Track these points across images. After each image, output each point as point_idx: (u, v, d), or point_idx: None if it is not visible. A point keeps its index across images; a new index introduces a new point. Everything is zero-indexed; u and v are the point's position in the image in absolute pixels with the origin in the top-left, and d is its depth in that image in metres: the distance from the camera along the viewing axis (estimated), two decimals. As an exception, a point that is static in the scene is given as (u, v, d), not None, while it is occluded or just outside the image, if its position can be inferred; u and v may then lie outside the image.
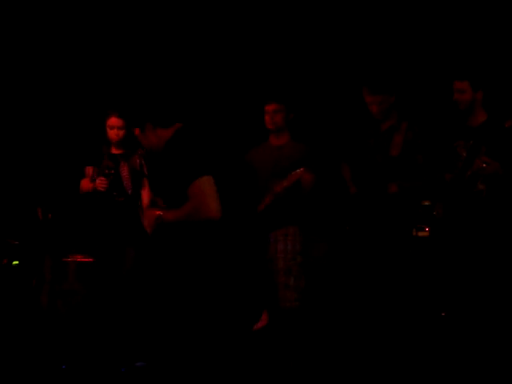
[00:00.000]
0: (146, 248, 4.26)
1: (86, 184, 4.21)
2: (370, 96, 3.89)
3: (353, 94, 4.21)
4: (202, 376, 3.25)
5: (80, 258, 4.79)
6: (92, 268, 4.31)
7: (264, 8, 5.27)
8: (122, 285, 4.13)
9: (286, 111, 4.03)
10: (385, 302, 3.82)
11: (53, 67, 5.44)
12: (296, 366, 3.74)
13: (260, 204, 4.03)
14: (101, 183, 4.13)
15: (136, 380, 3.62)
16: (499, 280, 3.66)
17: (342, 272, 4.12)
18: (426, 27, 5.09)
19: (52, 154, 5.24)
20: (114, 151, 4.29)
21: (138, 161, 4.28)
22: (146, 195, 4.32)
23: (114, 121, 4.20)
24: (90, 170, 4.25)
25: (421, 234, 4.75)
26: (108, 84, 5.36)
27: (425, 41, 5.10)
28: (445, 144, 3.88)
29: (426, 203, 4.73)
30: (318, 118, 5.29)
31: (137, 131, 2.97)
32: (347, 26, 5.24)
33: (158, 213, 2.92)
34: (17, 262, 4.92)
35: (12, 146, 5.36)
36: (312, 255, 4.44)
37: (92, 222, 4.21)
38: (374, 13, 5.15)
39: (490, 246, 3.68)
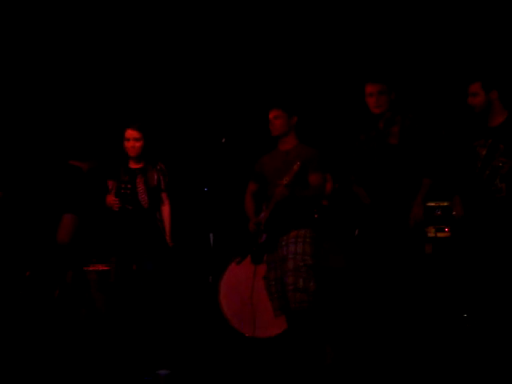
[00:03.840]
0: (164, 259, 4.33)
1: (109, 199, 4.27)
2: (370, 85, 3.88)
3: (354, 95, 4.20)
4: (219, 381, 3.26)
5: (101, 267, 4.84)
6: (110, 278, 4.36)
7: (262, 12, 5.29)
8: (141, 294, 4.17)
9: (288, 116, 4.03)
10: (400, 303, 3.80)
11: (73, 83, 5.51)
12: (305, 368, 3.74)
13: (267, 209, 4.04)
14: (114, 203, 4.18)
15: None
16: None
17: (357, 276, 4.10)
18: (433, 28, 5.07)
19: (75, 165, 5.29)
20: (132, 165, 4.32)
21: (155, 176, 4.31)
22: (166, 210, 4.39)
23: (130, 133, 4.24)
24: (110, 183, 4.30)
25: (441, 234, 4.73)
26: (126, 98, 5.42)
27: (433, 40, 5.09)
28: (465, 144, 3.86)
29: (445, 204, 4.71)
30: (324, 120, 5.29)
31: None
32: (350, 26, 5.24)
33: None
34: (37, 274, 4.97)
35: (37, 156, 5.43)
36: (328, 266, 4.45)
37: (112, 234, 4.26)
38: (381, 13, 5.14)
39: (508, 245, 3.64)
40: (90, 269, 4.84)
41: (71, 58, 5.45)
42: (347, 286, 4.54)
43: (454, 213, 4.02)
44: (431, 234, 4.72)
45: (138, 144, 4.24)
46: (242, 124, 5.46)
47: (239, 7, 5.30)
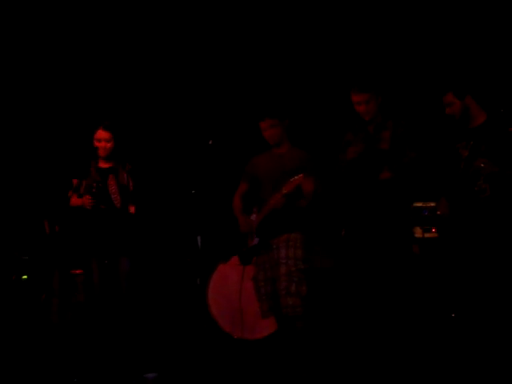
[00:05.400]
0: (140, 257, 4.32)
1: (74, 199, 4.22)
2: (356, 95, 3.90)
3: (342, 98, 4.22)
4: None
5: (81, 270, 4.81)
6: (84, 280, 4.34)
7: (249, 16, 5.31)
8: (120, 295, 4.16)
9: (281, 123, 4.06)
10: (389, 305, 3.81)
11: (45, 81, 5.49)
12: (299, 372, 3.74)
13: (260, 212, 4.05)
14: (87, 202, 4.15)
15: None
16: (505, 279, 3.64)
17: (346, 277, 4.11)
18: (410, 37, 5.13)
19: (53, 168, 5.28)
20: (102, 165, 4.31)
21: (125, 176, 4.31)
22: (132, 209, 4.38)
23: (101, 133, 4.23)
24: (75, 181, 4.24)
25: (428, 235, 4.75)
26: (97, 97, 5.41)
27: (415, 44, 5.15)
28: (447, 146, 3.90)
29: (432, 205, 4.73)
30: (314, 123, 5.32)
31: None
32: (336, 30, 5.28)
33: None
34: (26, 277, 4.94)
35: (14, 160, 5.42)
36: (317, 266, 4.45)
37: (84, 235, 4.22)
38: (368, 18, 5.18)
39: (495, 244, 3.67)
40: (77, 272, 4.81)
41: (45, 57, 5.45)
42: (335, 286, 4.55)
43: (438, 212, 4.04)
44: (418, 235, 4.74)
45: (108, 145, 4.24)
46: (228, 126, 5.46)
47: (226, 10, 5.31)
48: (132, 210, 4.31)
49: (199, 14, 5.35)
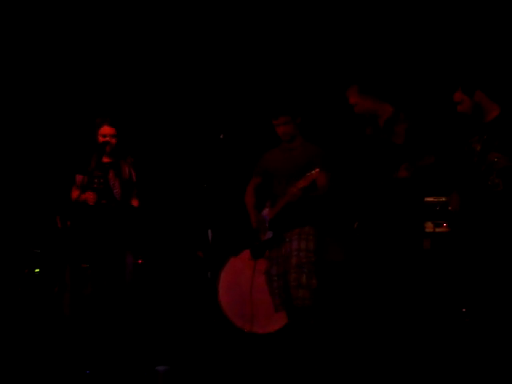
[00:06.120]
0: (149, 251, 4.34)
1: (76, 194, 4.24)
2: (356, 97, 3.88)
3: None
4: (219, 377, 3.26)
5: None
6: (90, 274, 4.36)
7: (261, 13, 5.31)
8: (126, 289, 4.18)
9: (294, 119, 4.06)
10: (398, 298, 3.81)
11: (47, 76, 5.52)
12: (308, 365, 3.75)
13: (275, 206, 4.06)
14: (89, 197, 4.16)
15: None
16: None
17: (357, 271, 4.11)
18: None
19: (64, 164, 5.31)
20: (104, 160, 4.32)
21: (127, 169, 4.32)
22: (135, 202, 4.40)
23: (106, 129, 4.24)
24: (80, 178, 4.27)
25: (439, 229, 4.73)
26: (100, 93, 5.43)
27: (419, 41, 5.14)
28: (460, 140, 3.87)
29: (444, 199, 4.71)
30: (325, 118, 5.31)
31: None
32: (344, 27, 5.28)
33: None
34: (38, 270, 4.98)
35: (26, 157, 5.45)
36: (327, 259, 4.46)
37: (87, 230, 4.23)
38: (379, 15, 5.19)
39: (507, 239, 3.65)
40: (87, 266, 4.83)
41: (49, 53, 5.48)
42: (346, 279, 4.55)
43: (449, 207, 4.03)
44: (429, 229, 4.72)
45: (113, 140, 4.26)
46: (240, 120, 5.47)
47: (243, 5, 5.32)
48: (135, 203, 4.33)
49: (212, 8, 5.35)
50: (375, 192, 3.90)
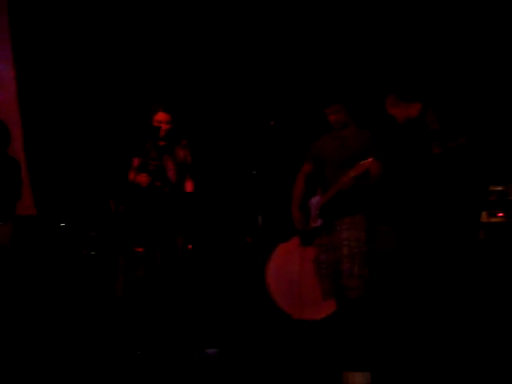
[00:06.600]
0: (199, 236, 4.37)
1: (132, 176, 4.32)
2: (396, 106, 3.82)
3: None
4: (269, 362, 3.28)
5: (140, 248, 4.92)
6: (143, 258, 4.44)
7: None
8: (176, 272, 4.24)
9: (345, 107, 4.04)
10: (450, 289, 3.74)
11: (106, 65, 5.65)
12: (356, 354, 3.73)
13: (326, 194, 4.04)
14: (142, 179, 4.22)
15: (208, 367, 3.70)
16: None
17: (408, 260, 4.06)
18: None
19: (118, 149, 5.43)
20: (160, 143, 4.37)
21: (181, 152, 4.37)
22: (189, 186, 4.44)
23: (161, 116, 4.30)
24: (136, 161, 4.34)
25: (494, 219, 4.62)
26: (156, 80, 5.52)
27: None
28: None
29: (500, 188, 4.59)
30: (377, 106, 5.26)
31: None
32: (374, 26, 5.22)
33: None
34: (94, 253, 5.12)
35: (82, 143, 5.61)
36: (378, 249, 4.41)
37: (141, 213, 4.32)
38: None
39: None
40: (140, 250, 4.93)
41: (105, 42, 5.60)
42: (398, 268, 4.50)
43: (510, 197, 3.92)
44: (484, 219, 4.62)
45: (168, 126, 4.32)
46: (290, 107, 5.46)
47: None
48: (189, 187, 4.38)
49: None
50: (418, 175, 3.83)
